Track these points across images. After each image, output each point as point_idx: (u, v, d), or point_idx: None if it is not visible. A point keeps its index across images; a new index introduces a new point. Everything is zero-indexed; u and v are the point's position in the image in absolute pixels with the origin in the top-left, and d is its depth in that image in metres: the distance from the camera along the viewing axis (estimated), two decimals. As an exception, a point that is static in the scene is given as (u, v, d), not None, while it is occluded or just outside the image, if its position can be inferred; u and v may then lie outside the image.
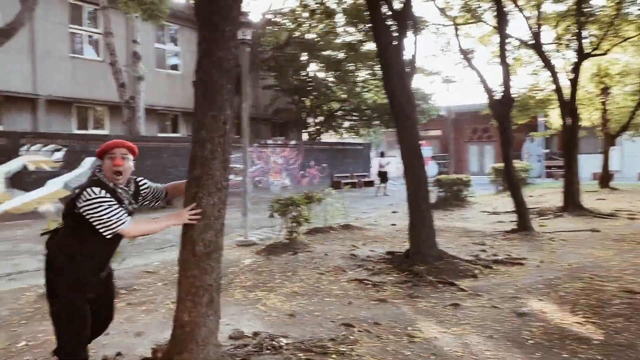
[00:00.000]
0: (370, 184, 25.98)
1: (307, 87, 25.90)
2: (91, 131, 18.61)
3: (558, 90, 13.52)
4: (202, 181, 3.36)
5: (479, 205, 15.58)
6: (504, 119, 9.92)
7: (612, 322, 4.61)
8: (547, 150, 29.99)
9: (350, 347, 4.12)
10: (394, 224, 11.79)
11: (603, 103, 18.68)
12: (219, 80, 3.36)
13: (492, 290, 5.89)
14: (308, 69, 26.50)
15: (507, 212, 13.59)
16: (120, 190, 3.07)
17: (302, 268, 7.24)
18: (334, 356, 3.94)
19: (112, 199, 2.93)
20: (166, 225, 3.19)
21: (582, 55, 13.02)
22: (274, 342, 4.08)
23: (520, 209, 10.08)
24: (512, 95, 10.41)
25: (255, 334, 4.38)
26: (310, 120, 28.73)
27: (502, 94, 10.02)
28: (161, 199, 3.41)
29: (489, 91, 10.20)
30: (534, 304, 5.27)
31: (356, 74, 24.77)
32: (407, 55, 8.51)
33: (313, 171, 24.48)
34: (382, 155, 22.34)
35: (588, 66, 17.44)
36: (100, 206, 2.88)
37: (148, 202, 3.35)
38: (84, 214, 2.89)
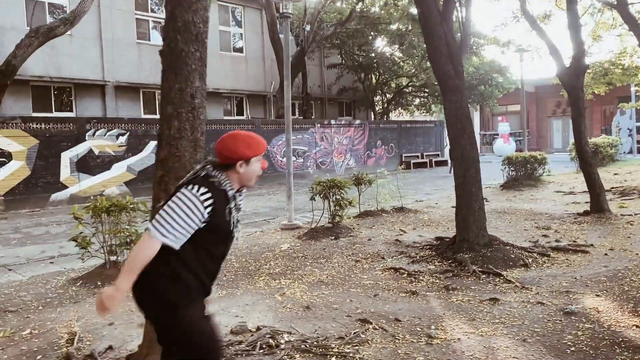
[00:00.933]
0: (442, 163, 24.87)
1: (373, 64, 25.06)
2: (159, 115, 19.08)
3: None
4: (169, 163, 3.00)
5: (555, 185, 14.32)
6: (574, 89, 8.82)
7: (683, 326, 3.81)
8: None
9: (356, 347, 3.66)
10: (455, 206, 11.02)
11: None
12: (184, 47, 2.97)
13: (543, 282, 5.16)
14: (374, 45, 25.63)
15: (585, 192, 12.38)
16: (236, 196, 2.41)
17: (339, 254, 6.80)
18: (333, 359, 3.49)
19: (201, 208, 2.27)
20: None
21: (675, 13, 11.41)
22: (270, 341, 3.69)
23: (594, 188, 9.00)
24: (587, 63, 9.25)
25: (258, 328, 4.02)
26: (377, 98, 27.91)
27: (573, 60, 8.91)
28: None
29: (558, 58, 9.10)
30: (589, 300, 4.51)
31: (424, 46, 23.60)
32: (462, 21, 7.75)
33: (380, 151, 23.78)
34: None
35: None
36: (183, 206, 2.25)
37: None
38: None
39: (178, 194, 2.29)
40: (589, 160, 9.05)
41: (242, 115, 22.44)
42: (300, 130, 20.35)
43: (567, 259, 6.06)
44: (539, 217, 9.19)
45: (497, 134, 31.37)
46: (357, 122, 23.62)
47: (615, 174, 16.45)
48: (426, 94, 27.20)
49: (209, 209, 2.26)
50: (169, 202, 2.27)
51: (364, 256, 6.67)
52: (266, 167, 2.48)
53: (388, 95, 27.31)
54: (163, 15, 16.18)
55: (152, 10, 19.32)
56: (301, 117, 23.16)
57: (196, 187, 2.26)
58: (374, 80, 26.19)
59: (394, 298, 4.87)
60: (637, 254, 6.15)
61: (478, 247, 6.23)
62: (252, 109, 22.74)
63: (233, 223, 2.38)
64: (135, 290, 2.27)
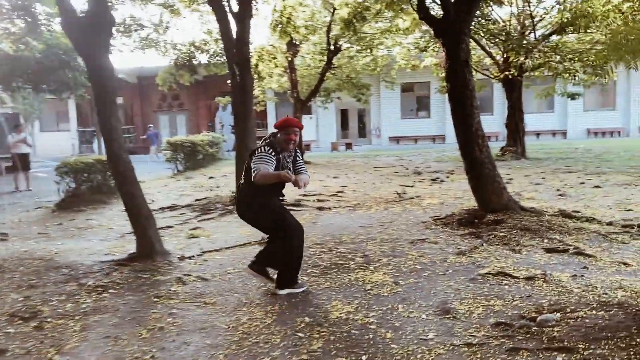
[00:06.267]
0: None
1: None
2: None
3: (223, 35, 9.51)
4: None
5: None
6: (89, 55, 5.16)
7: None
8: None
9: None
10: None
11: (290, 61, 15.76)
12: None
13: None
14: None
15: (172, 207, 9.34)
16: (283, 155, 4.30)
17: None
18: None
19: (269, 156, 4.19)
20: (277, 176, 4.11)
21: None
22: None
23: (138, 219, 5.58)
24: (113, 16, 5.65)
25: None
26: None
27: (88, 13, 5.24)
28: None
29: (66, 5, 5.28)
30: None
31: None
32: None
33: None
34: (15, 129, 15.62)
35: (268, 11, 14.19)
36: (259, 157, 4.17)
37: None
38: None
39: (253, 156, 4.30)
40: (127, 174, 5.50)
41: None
42: None
43: None
44: (38, 279, 5.19)
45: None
46: None
47: (211, 178, 14.15)
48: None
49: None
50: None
51: None
52: (293, 139, 4.26)
53: None
54: None
55: None
56: None
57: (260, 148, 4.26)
58: None
59: None
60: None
61: None
62: None
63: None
64: None
